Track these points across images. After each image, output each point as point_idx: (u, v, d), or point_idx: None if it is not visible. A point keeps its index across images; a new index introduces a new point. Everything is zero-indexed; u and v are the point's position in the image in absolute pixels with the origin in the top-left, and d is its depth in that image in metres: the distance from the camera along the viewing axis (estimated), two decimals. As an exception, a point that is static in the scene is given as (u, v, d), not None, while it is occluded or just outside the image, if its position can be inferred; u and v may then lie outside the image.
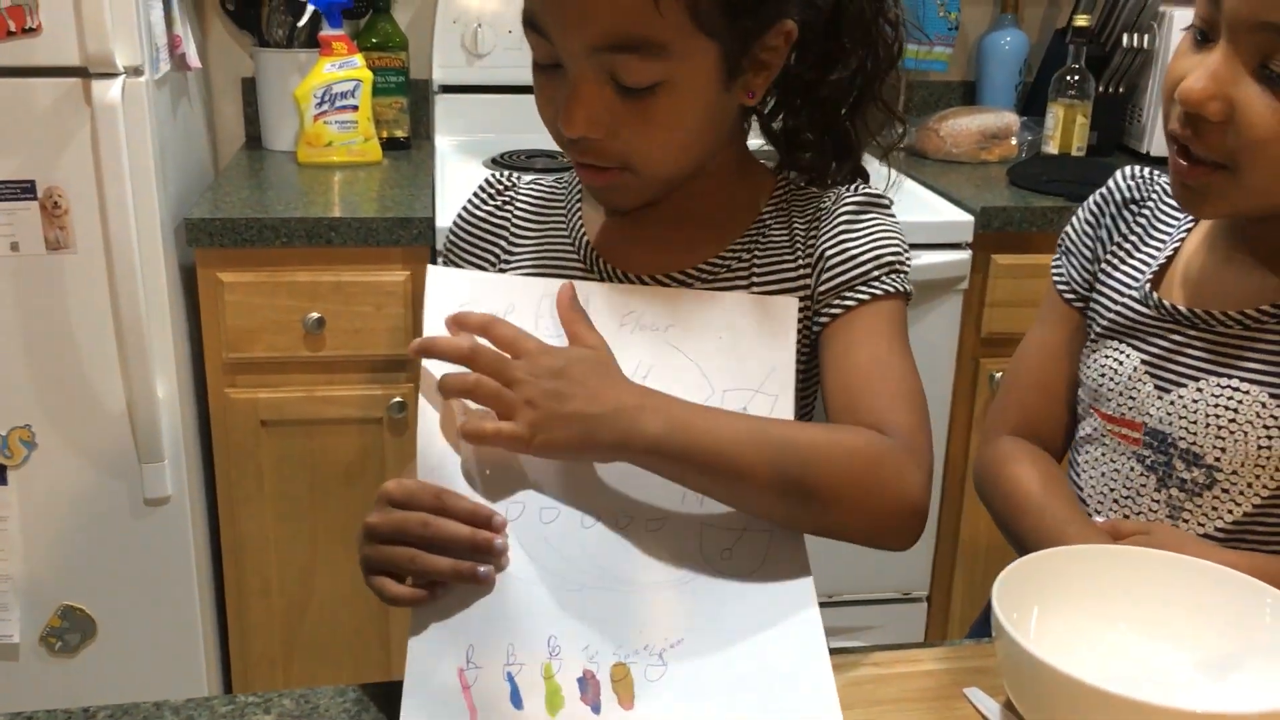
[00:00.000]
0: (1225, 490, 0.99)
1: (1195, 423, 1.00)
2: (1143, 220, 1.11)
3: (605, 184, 0.95)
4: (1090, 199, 1.16)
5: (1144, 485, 1.04)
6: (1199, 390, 0.99)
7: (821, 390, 0.97)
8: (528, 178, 1.13)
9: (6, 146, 1.74)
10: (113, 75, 1.72)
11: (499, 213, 1.09)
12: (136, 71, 1.77)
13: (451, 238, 1.11)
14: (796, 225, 1.01)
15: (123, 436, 1.87)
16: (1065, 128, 2.42)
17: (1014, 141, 2.45)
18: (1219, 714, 0.69)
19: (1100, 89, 2.48)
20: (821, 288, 0.97)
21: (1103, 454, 1.08)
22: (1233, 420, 0.97)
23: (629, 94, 0.88)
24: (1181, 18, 2.37)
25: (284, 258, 1.89)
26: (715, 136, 0.97)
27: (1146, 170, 1.14)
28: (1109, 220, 1.13)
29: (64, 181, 1.77)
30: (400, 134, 2.41)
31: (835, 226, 0.99)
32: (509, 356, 0.84)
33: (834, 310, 0.96)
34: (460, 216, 1.11)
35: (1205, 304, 1.01)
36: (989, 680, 0.84)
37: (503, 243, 1.08)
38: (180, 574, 1.97)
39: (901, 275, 0.98)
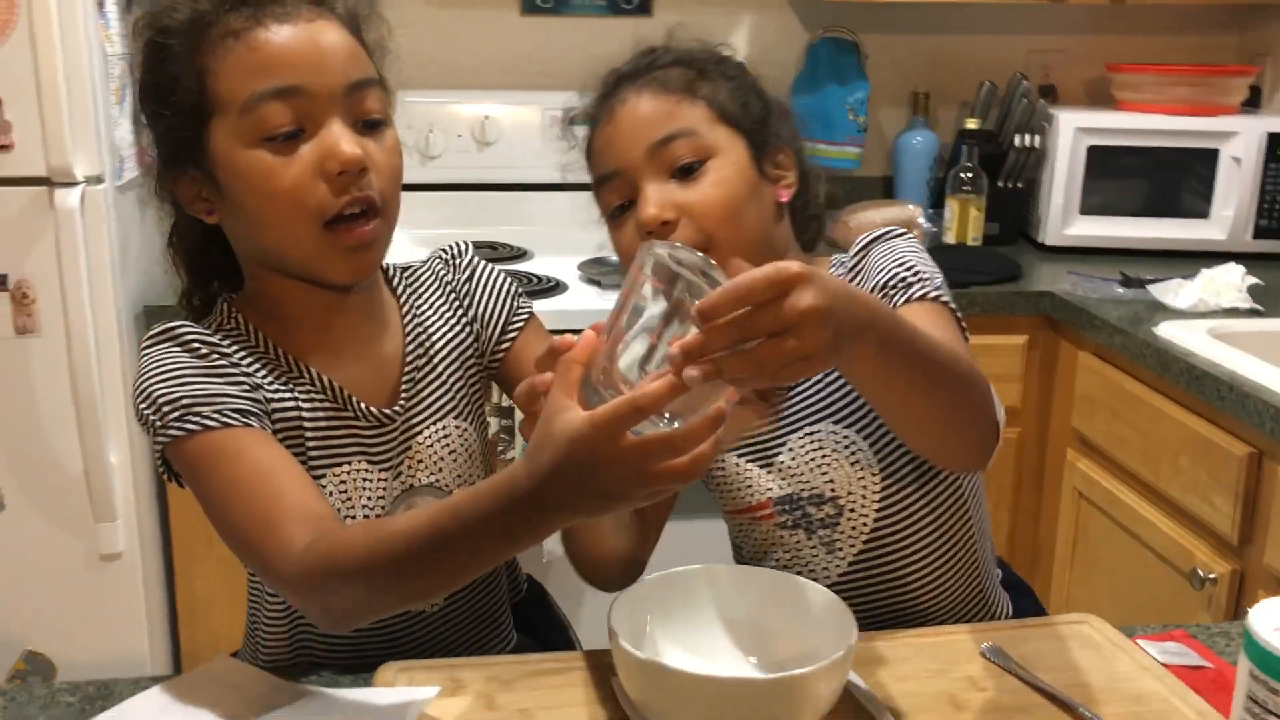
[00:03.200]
0: (852, 509, 1.19)
1: (801, 473, 1.20)
2: None
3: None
4: None
5: (799, 543, 1.23)
6: (789, 450, 1.20)
7: None
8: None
9: (-18, 245, 2.02)
10: (73, 184, 2.00)
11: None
12: (98, 180, 2.05)
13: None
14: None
15: (80, 498, 2.11)
16: (961, 220, 2.63)
17: (916, 232, 2.65)
18: (743, 679, 0.88)
19: (1001, 184, 2.68)
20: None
21: (768, 539, 1.26)
22: (824, 455, 1.18)
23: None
24: (1067, 120, 2.58)
25: (226, 340, 2.13)
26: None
27: None
28: None
29: (32, 275, 2.04)
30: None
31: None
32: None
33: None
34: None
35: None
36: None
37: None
38: (132, 625, 2.20)
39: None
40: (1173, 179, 2.61)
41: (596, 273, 2.36)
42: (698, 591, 1.05)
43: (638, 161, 1.15)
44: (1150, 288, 2.26)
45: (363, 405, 1.14)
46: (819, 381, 1.21)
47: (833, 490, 1.19)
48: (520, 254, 2.55)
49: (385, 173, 1.09)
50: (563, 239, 2.23)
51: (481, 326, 1.25)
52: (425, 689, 0.98)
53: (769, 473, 1.22)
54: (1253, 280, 2.22)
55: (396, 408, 1.16)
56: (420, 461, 1.18)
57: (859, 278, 1.19)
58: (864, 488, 1.18)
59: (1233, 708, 0.81)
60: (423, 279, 1.26)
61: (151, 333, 1.11)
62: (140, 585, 2.19)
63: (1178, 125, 2.57)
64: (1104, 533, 2.20)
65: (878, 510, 1.19)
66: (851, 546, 1.21)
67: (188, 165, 1.09)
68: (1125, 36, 2.93)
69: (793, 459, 1.20)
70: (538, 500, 0.83)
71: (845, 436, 1.19)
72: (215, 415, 1.04)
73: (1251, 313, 2.16)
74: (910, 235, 1.21)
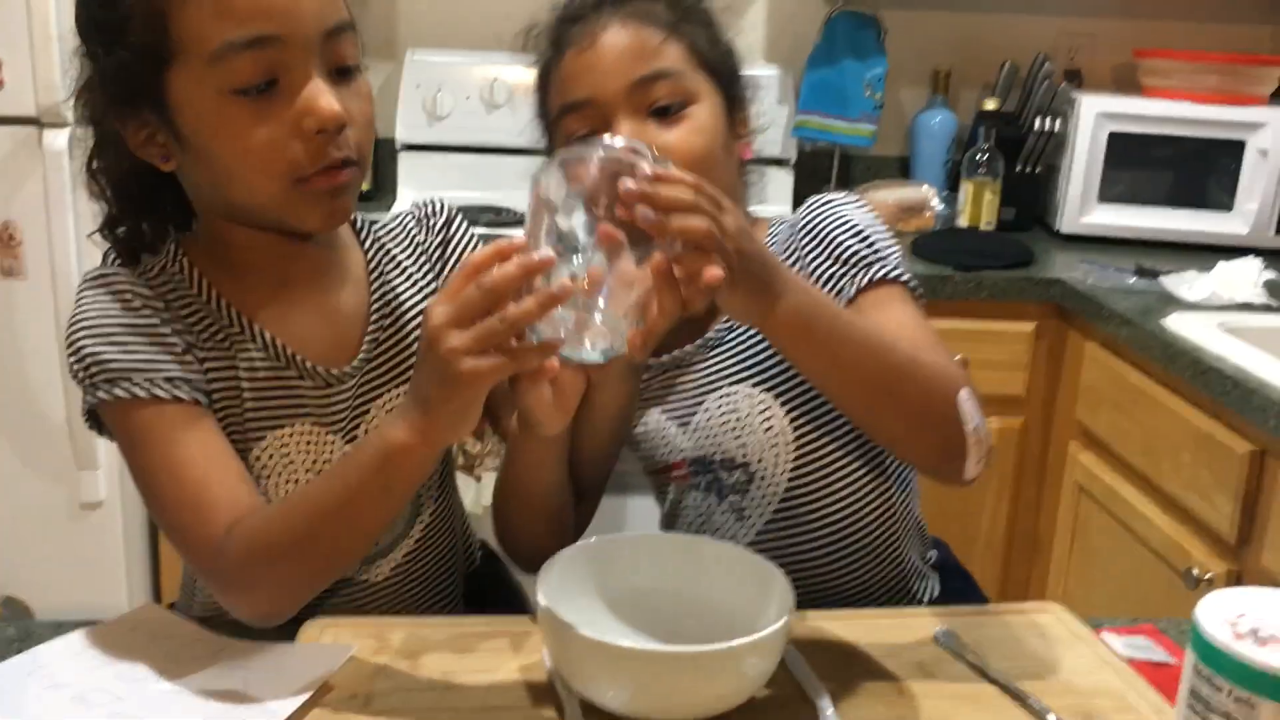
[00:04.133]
0: (763, 477, 1.15)
1: (715, 435, 1.16)
2: None
3: None
4: None
5: (710, 507, 1.19)
6: (705, 410, 1.16)
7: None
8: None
9: (-30, 185, 2.00)
10: (63, 126, 1.97)
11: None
12: (89, 123, 2.02)
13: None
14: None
15: (62, 445, 2.09)
16: (974, 203, 2.56)
17: (928, 214, 2.59)
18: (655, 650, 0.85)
19: (1018, 169, 2.62)
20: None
21: (680, 502, 1.22)
22: (739, 419, 1.14)
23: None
24: (1089, 105, 2.51)
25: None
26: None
27: None
28: None
29: (19, 216, 2.02)
30: (365, 186, 2.63)
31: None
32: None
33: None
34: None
35: (668, 346, 1.17)
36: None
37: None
38: (112, 574, 2.19)
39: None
40: (1196, 170, 2.53)
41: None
42: (632, 558, 1.00)
43: (617, 95, 1.08)
44: (1163, 279, 2.19)
45: (309, 364, 1.09)
46: (742, 343, 1.17)
47: (744, 455, 1.15)
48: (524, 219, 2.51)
49: (361, 123, 1.02)
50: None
51: None
52: (341, 647, 0.94)
53: (685, 432, 1.18)
54: (1271, 275, 2.15)
55: (349, 368, 1.11)
56: (378, 425, 1.13)
57: (801, 238, 1.15)
58: (776, 456, 1.14)
59: (1176, 702, 0.75)
60: (394, 234, 1.21)
61: (88, 276, 1.06)
62: (120, 534, 2.17)
63: (1204, 114, 2.49)
64: (1102, 528, 2.14)
65: (789, 481, 1.15)
66: (760, 515, 1.17)
67: (140, 109, 1.01)
68: (1156, 22, 2.85)
69: (708, 419, 1.17)
70: (412, 394, 0.90)
71: (761, 401, 1.14)
72: (145, 384, 0.99)
73: (1266, 308, 2.09)
74: (861, 201, 1.17)
